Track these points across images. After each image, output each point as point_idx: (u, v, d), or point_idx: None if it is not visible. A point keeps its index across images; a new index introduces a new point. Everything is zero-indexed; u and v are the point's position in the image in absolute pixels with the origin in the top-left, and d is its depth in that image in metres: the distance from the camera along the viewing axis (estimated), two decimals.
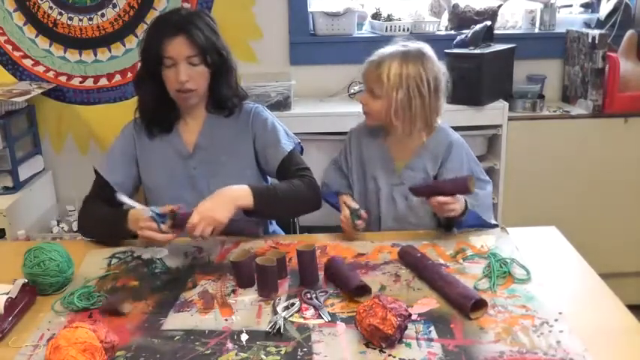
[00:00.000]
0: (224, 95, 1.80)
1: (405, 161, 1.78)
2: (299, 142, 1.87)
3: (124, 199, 1.61)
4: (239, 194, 1.63)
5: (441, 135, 1.78)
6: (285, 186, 1.73)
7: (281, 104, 2.56)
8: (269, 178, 1.93)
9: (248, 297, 1.41)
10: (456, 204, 1.59)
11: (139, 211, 1.61)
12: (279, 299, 1.38)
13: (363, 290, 1.37)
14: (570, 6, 3.01)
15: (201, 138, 1.82)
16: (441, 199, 1.57)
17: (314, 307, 1.35)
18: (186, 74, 1.69)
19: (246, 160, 1.82)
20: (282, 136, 1.83)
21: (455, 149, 1.76)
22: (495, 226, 1.73)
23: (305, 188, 1.74)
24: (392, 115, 1.70)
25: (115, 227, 1.67)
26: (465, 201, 1.64)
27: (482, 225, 1.71)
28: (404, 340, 1.21)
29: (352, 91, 2.67)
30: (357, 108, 1.87)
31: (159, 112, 1.80)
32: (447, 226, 1.71)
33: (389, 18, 2.84)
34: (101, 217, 1.73)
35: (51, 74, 2.81)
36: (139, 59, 1.78)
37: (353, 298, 1.36)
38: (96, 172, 1.81)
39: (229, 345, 1.22)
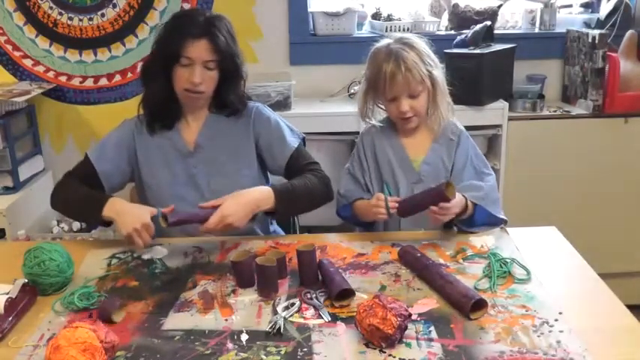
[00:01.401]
0: (229, 100, 1.80)
1: (421, 157, 1.79)
2: (303, 137, 1.87)
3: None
4: (261, 198, 1.64)
5: (452, 126, 1.80)
6: (302, 183, 1.72)
7: (281, 104, 2.56)
8: (270, 177, 1.93)
9: (248, 297, 1.41)
10: (450, 209, 1.59)
11: (136, 208, 1.62)
12: (279, 299, 1.39)
13: (347, 293, 1.36)
14: (570, 6, 3.01)
15: (201, 137, 1.82)
16: (435, 209, 1.57)
17: (314, 307, 1.35)
18: (201, 77, 1.69)
19: (247, 160, 1.82)
20: (287, 132, 1.83)
21: (463, 140, 1.79)
22: (505, 221, 1.72)
23: (319, 183, 1.75)
24: (438, 96, 1.72)
25: (89, 210, 1.67)
26: (465, 198, 1.64)
27: (494, 222, 1.70)
28: (404, 340, 1.21)
29: (352, 91, 2.67)
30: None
31: (163, 107, 1.79)
32: (447, 224, 1.71)
33: (389, 18, 2.85)
34: (77, 195, 1.72)
35: (51, 74, 2.81)
36: (152, 51, 1.76)
37: (337, 303, 1.34)
38: (86, 155, 1.80)
39: (229, 345, 1.22)
